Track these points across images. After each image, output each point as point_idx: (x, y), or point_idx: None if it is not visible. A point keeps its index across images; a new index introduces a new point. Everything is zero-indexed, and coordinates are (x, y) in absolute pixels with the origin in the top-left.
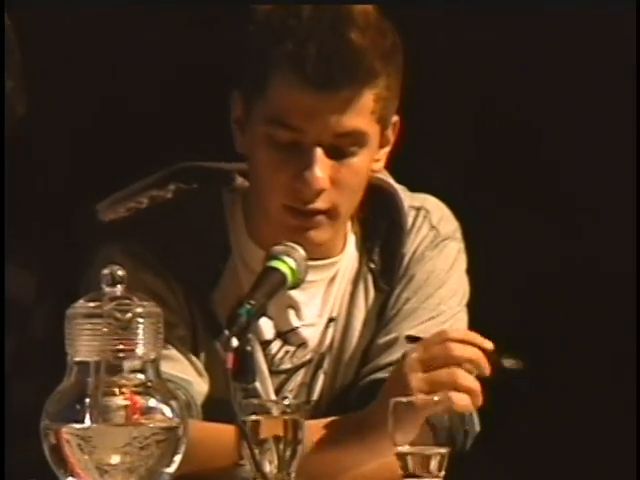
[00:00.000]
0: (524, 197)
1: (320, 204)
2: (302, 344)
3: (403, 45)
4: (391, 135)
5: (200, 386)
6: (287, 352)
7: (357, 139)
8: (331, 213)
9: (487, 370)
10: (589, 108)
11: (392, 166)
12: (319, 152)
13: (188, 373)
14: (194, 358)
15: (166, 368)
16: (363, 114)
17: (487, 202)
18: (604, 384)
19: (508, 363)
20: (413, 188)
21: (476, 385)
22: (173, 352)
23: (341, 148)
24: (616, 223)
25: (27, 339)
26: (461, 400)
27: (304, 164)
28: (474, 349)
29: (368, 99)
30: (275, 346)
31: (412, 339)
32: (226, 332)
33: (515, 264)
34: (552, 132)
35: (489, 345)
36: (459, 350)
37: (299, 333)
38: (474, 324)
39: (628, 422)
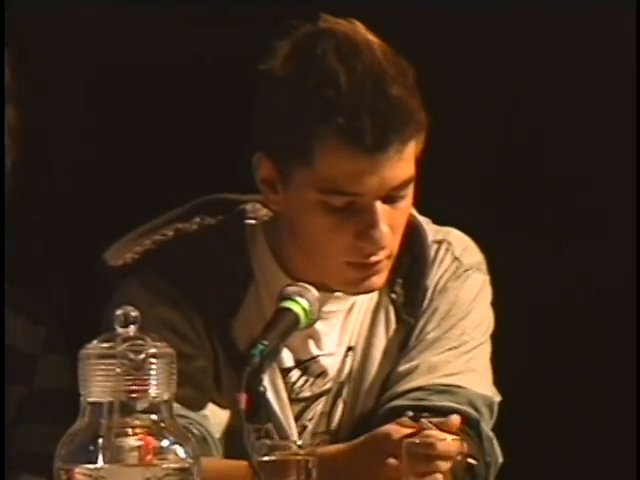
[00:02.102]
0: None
1: (383, 254)
2: (322, 373)
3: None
4: None
5: (218, 417)
6: (307, 380)
7: (408, 184)
8: (388, 257)
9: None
10: (589, 109)
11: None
12: (379, 208)
13: (204, 407)
14: (213, 391)
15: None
16: (411, 160)
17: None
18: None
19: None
20: (436, 221)
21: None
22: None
23: (395, 196)
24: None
25: (35, 388)
26: None
27: (366, 222)
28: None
29: (413, 145)
30: (295, 374)
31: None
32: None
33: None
34: (553, 140)
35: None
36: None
37: (319, 362)
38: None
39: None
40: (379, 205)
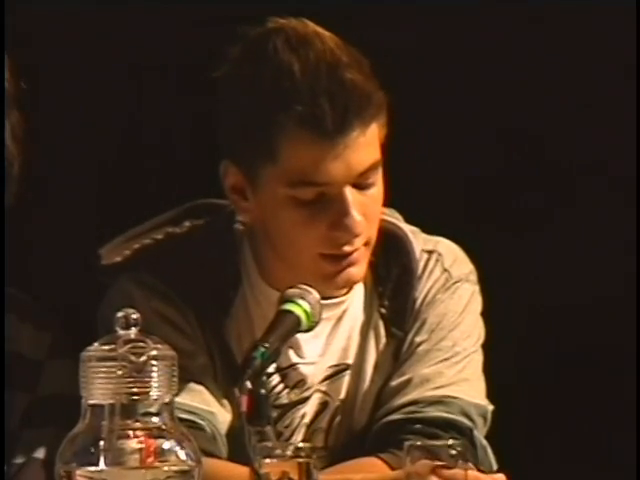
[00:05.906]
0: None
1: (358, 243)
2: (300, 381)
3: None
4: None
5: (224, 416)
6: (285, 387)
7: (375, 168)
8: (366, 244)
9: None
10: (589, 109)
11: (405, 207)
12: (350, 196)
13: (210, 404)
14: (214, 387)
15: (188, 400)
16: (375, 144)
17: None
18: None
19: None
20: (426, 229)
21: None
22: (193, 384)
23: (364, 182)
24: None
25: (39, 394)
26: None
27: (338, 211)
28: None
29: (375, 128)
30: (274, 380)
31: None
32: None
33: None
34: (554, 141)
35: None
36: None
37: (298, 369)
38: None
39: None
40: (349, 192)
